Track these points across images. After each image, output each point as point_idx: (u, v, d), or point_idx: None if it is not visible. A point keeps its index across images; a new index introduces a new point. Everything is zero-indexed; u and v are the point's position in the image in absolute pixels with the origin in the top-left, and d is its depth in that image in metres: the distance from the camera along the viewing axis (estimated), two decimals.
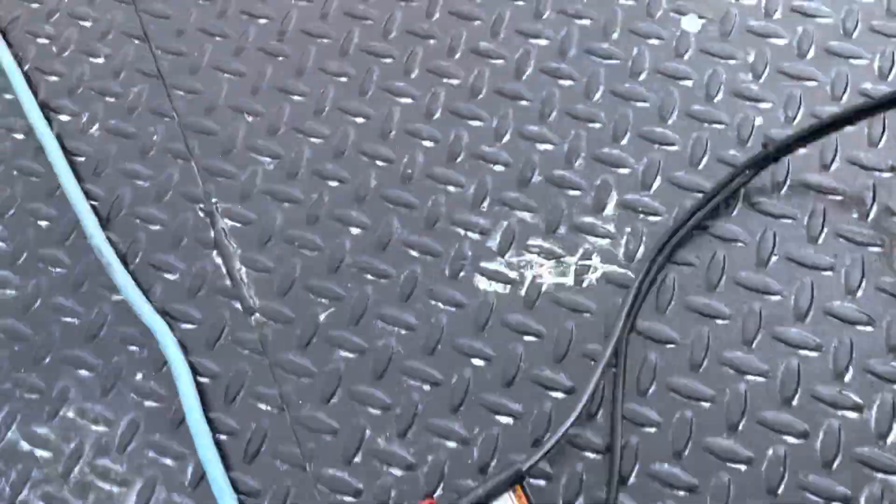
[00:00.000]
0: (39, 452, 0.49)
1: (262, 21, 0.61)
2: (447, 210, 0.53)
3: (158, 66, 0.61)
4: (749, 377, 0.47)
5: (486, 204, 0.53)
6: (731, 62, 0.56)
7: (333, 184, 0.55)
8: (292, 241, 0.53)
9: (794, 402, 0.46)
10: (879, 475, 0.43)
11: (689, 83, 0.55)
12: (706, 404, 0.46)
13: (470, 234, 0.53)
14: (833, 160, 0.52)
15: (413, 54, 0.59)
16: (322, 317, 0.51)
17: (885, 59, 0.54)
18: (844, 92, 0.54)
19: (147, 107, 0.59)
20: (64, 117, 0.59)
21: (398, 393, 0.49)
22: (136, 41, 0.62)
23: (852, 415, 0.45)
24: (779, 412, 0.45)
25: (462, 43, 0.59)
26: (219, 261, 0.53)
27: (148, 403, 0.50)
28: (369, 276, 0.52)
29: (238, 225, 0.54)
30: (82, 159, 0.58)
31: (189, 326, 0.52)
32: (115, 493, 0.48)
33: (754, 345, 0.47)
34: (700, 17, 0.57)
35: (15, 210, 0.56)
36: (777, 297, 0.48)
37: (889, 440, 0.44)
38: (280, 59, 0.60)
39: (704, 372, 0.47)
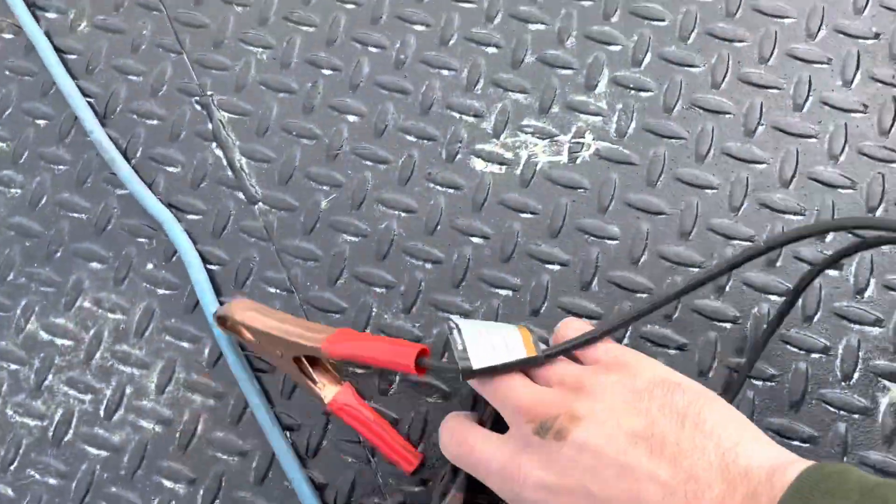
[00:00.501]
0: (60, 341, 0.51)
1: None
2: (441, 94, 0.54)
3: None
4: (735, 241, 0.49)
5: (479, 87, 0.54)
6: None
7: (327, 72, 0.55)
8: (290, 131, 0.54)
9: (778, 263, 0.48)
10: (855, 326, 0.46)
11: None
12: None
13: (465, 117, 0.53)
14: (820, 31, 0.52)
15: None
16: (324, 203, 0.52)
17: None
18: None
19: (134, 0, 0.59)
20: (51, 14, 0.59)
21: (401, 272, 0.51)
22: None
23: (833, 272, 0.47)
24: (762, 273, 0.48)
25: None
26: (219, 152, 0.54)
27: (161, 291, 0.52)
28: (368, 163, 0.53)
29: (235, 116, 0.55)
30: (74, 57, 0.58)
31: (195, 217, 0.53)
32: (136, 374, 0.50)
33: (740, 212, 0.49)
34: None
35: (11, 110, 0.56)
36: (763, 165, 0.50)
37: (866, 294, 0.47)
38: None
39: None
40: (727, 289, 0.48)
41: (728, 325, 0.48)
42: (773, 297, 0.48)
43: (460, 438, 0.42)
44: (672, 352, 0.47)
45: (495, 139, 0.53)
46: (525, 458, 0.38)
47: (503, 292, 0.50)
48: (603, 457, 0.36)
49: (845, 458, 0.44)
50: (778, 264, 0.48)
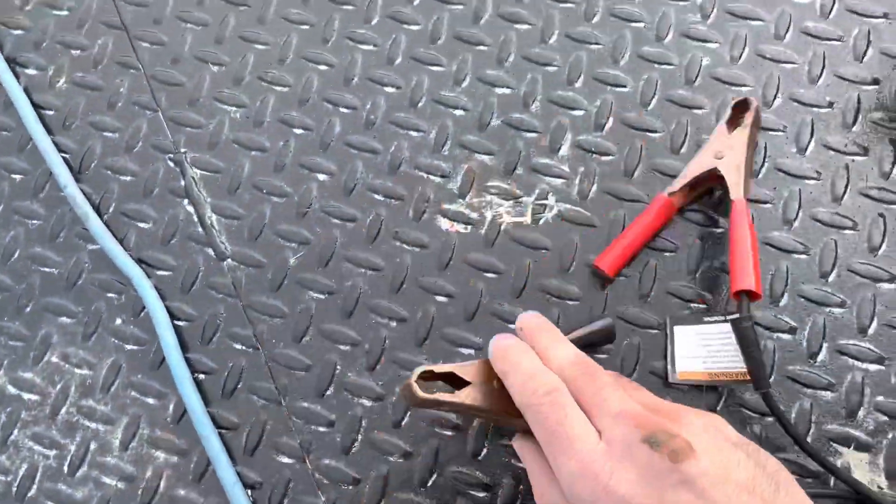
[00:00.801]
0: (27, 395, 0.52)
1: None
2: (410, 154, 0.55)
3: (122, 17, 0.61)
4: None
5: (447, 148, 0.55)
6: (681, 3, 0.57)
7: (299, 131, 0.57)
8: (261, 189, 0.55)
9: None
10: (808, 391, 0.47)
11: (640, 25, 0.57)
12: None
13: (432, 177, 0.55)
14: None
15: (374, 1, 0.60)
16: (292, 260, 0.53)
17: None
18: (787, 31, 0.56)
19: (113, 59, 0.60)
20: (31, 71, 0.60)
21: (366, 329, 0.51)
22: None
23: (786, 336, 0.49)
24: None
25: None
26: (190, 209, 0.55)
27: (129, 346, 0.52)
28: (336, 220, 0.54)
29: (207, 173, 0.56)
30: (51, 113, 0.59)
31: (164, 273, 0.54)
32: (101, 430, 0.51)
33: (697, 275, 0.50)
34: None
35: None
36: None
37: (819, 359, 0.48)
38: (242, 7, 0.61)
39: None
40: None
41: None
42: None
43: (560, 400, 0.38)
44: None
45: (461, 199, 0.54)
46: (620, 465, 0.35)
47: (466, 351, 0.51)
48: (709, 497, 0.33)
49: None
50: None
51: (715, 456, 0.35)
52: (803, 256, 0.50)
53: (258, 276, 0.53)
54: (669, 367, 0.48)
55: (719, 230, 0.51)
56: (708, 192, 0.52)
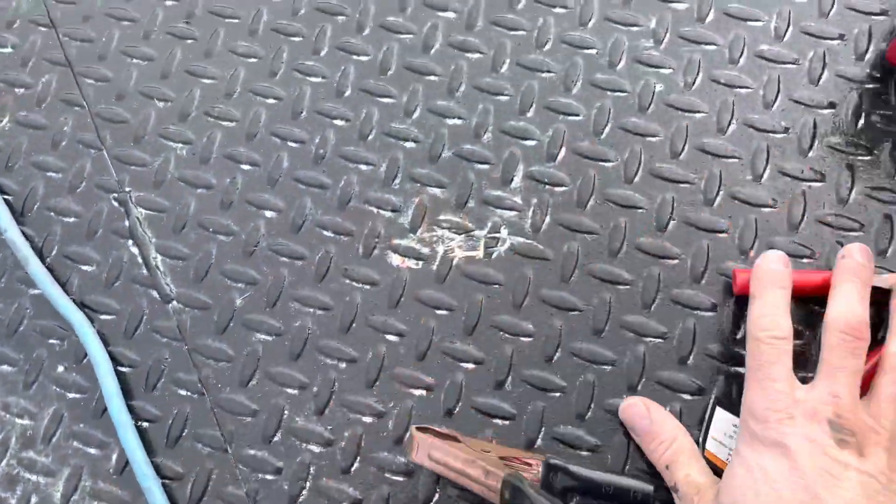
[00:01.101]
0: None
1: (169, 3, 0.61)
2: (359, 189, 0.54)
3: (66, 53, 0.60)
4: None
5: (397, 181, 0.54)
6: (634, 29, 0.56)
7: (246, 167, 0.55)
8: (207, 227, 0.54)
9: (690, 361, 0.48)
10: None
11: (592, 52, 0.56)
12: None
13: (382, 211, 0.53)
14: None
15: (322, 32, 0.59)
16: (238, 301, 0.52)
17: (782, 19, 0.55)
18: (741, 55, 0.55)
19: (57, 96, 0.59)
20: None
21: (315, 372, 0.50)
22: (43, 28, 0.61)
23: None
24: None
25: (370, 18, 0.59)
26: (134, 250, 0.54)
27: (71, 395, 0.51)
28: (284, 259, 0.53)
29: (152, 213, 0.55)
30: None
31: (108, 317, 0.52)
32: (42, 483, 0.49)
33: (652, 308, 0.49)
34: None
35: None
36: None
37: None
38: (189, 41, 0.60)
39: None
40: (638, 388, 0.48)
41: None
42: (685, 396, 0.47)
43: (784, 348, 0.42)
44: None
45: (412, 234, 0.53)
46: (799, 424, 0.40)
47: (417, 392, 0.49)
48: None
49: None
50: (690, 361, 0.48)
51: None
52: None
53: (204, 318, 0.52)
54: (700, 439, 0.46)
55: None
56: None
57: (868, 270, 0.44)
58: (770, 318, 0.43)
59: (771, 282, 0.44)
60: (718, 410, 0.46)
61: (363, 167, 0.55)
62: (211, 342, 0.51)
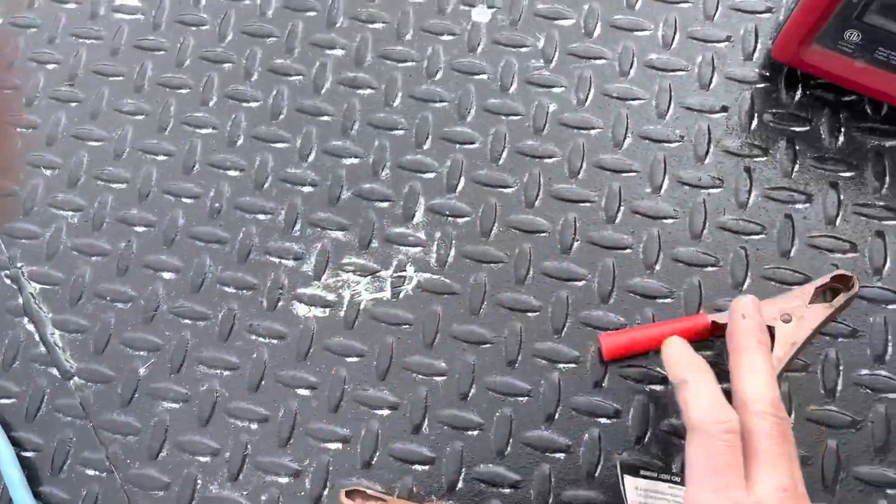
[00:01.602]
0: None
1: (51, 66, 0.59)
2: (259, 240, 0.53)
3: None
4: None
5: (297, 228, 0.53)
6: (523, 50, 0.56)
7: (140, 229, 0.54)
8: (104, 296, 0.52)
9: (605, 383, 0.47)
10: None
11: (484, 77, 0.55)
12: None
13: (284, 261, 0.52)
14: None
15: (209, 81, 0.57)
16: (142, 370, 0.50)
17: (668, 27, 0.55)
18: (631, 66, 0.54)
19: None
20: None
21: (226, 436, 0.48)
22: None
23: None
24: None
25: (258, 63, 0.57)
26: (30, 328, 0.52)
27: None
28: (186, 321, 0.51)
29: (46, 286, 0.53)
30: None
31: (7, 401, 0.50)
32: None
33: (563, 333, 0.48)
34: (489, 6, 0.57)
35: None
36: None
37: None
38: (73, 104, 0.58)
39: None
40: (556, 417, 0.47)
41: (561, 455, 0.46)
42: (602, 420, 0.47)
43: (735, 444, 0.37)
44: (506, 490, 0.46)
45: (316, 281, 0.51)
46: None
47: (332, 446, 0.48)
48: None
49: None
50: (605, 384, 0.47)
51: None
52: (669, 300, 0.49)
53: (107, 391, 0.50)
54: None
55: None
56: None
57: (765, 330, 0.41)
58: (718, 413, 0.37)
59: (699, 377, 0.39)
60: (627, 478, 0.43)
61: (261, 217, 0.53)
62: (116, 416, 0.49)
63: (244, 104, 0.56)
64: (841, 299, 0.43)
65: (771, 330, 0.42)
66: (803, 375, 0.46)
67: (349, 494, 0.45)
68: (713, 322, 0.45)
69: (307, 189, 0.54)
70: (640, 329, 0.47)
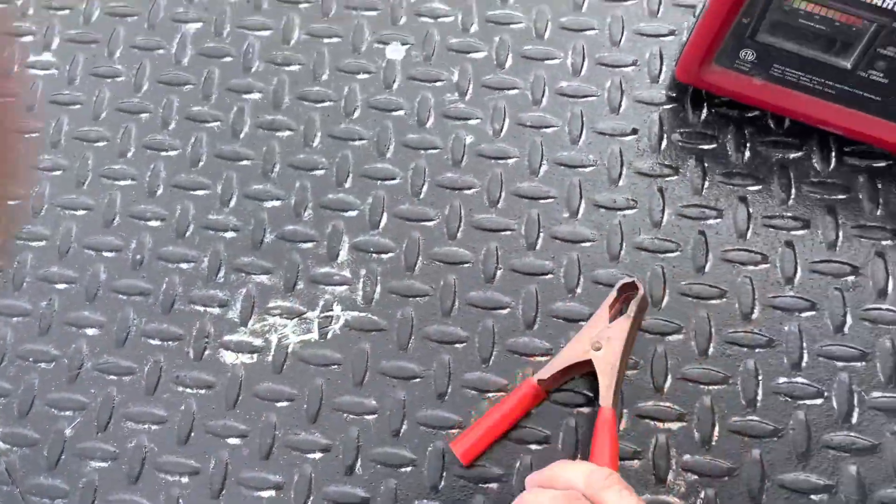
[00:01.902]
0: None
1: None
2: (183, 289, 0.52)
3: None
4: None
5: (221, 274, 0.53)
6: (438, 84, 0.56)
7: (61, 286, 0.53)
8: (26, 357, 0.51)
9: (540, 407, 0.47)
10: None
11: (401, 113, 0.56)
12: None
13: (209, 309, 0.52)
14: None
15: (126, 132, 0.57)
16: (68, 430, 0.49)
17: (577, 54, 0.56)
18: (543, 95, 0.55)
19: None
20: None
21: (157, 492, 0.48)
22: None
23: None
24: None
25: (174, 112, 0.57)
26: None
27: None
28: (111, 377, 0.50)
29: None
30: None
31: None
32: None
33: (490, 363, 0.49)
34: (403, 43, 0.58)
35: None
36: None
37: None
38: None
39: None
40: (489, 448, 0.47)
41: (495, 485, 0.46)
42: (533, 447, 0.47)
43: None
44: None
45: (243, 327, 0.51)
46: None
47: (265, 494, 0.47)
48: None
49: None
50: (534, 411, 0.48)
51: None
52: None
53: (33, 455, 0.49)
54: None
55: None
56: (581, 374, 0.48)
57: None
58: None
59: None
60: None
61: (184, 266, 0.53)
62: (43, 480, 0.48)
63: (163, 153, 0.56)
64: (633, 307, 0.46)
65: (590, 363, 0.45)
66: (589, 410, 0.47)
67: None
68: (538, 380, 0.46)
69: (230, 234, 0.54)
70: (481, 421, 0.46)
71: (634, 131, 0.54)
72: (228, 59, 0.59)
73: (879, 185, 0.50)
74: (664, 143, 0.53)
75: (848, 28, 0.44)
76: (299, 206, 0.54)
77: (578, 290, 0.50)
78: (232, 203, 0.54)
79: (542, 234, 0.52)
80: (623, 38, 0.57)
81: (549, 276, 0.51)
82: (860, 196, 0.50)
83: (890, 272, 0.48)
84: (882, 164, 0.51)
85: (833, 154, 0.52)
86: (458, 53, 0.57)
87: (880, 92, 0.46)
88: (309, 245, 0.53)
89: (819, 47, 0.46)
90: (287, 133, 0.56)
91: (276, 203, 0.54)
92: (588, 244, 0.51)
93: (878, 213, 0.50)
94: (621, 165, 0.53)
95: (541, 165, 0.53)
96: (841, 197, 0.50)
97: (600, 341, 0.46)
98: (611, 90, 0.55)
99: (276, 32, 0.59)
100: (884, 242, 0.49)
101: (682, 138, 0.53)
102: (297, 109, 0.57)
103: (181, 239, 0.54)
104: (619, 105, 0.55)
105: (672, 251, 0.50)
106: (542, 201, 0.53)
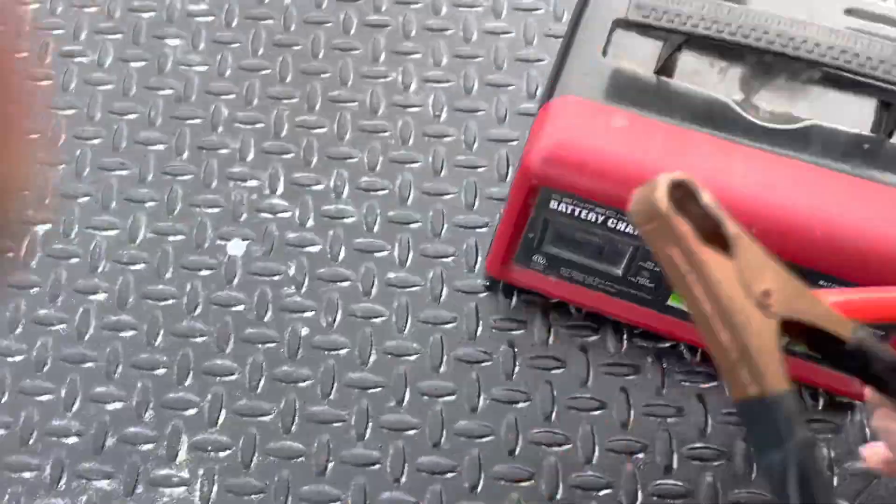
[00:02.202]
0: None
1: None
2: (25, 499, 0.54)
3: None
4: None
5: (63, 482, 0.54)
6: (276, 278, 0.61)
7: None
8: None
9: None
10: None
11: (241, 308, 0.60)
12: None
13: None
14: None
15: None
16: None
17: (403, 247, 0.62)
18: (373, 285, 0.60)
19: None
20: None
21: None
22: None
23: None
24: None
25: (21, 315, 0.59)
26: None
27: None
28: None
29: None
30: None
31: None
32: None
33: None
34: (243, 239, 0.62)
35: None
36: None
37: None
38: None
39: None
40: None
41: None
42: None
43: None
44: None
45: None
46: None
47: None
48: None
49: None
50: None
51: None
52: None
53: None
54: None
55: None
56: None
57: None
58: None
59: None
60: None
61: (27, 475, 0.55)
62: None
63: (9, 359, 0.58)
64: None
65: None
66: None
67: None
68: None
69: (72, 440, 0.56)
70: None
71: (454, 319, 0.59)
72: (76, 259, 0.62)
73: (665, 365, 0.57)
74: (479, 329, 0.59)
75: (615, 245, 0.50)
76: (140, 406, 0.57)
77: (403, 479, 0.54)
78: (75, 407, 0.57)
79: (370, 424, 0.56)
80: (444, 229, 0.62)
81: (377, 465, 0.54)
82: (648, 376, 0.56)
83: (674, 448, 0.54)
84: (666, 345, 0.57)
85: (625, 336, 0.58)
86: (295, 248, 0.62)
87: (649, 292, 0.53)
88: (149, 446, 0.55)
89: (595, 257, 0.52)
90: (131, 333, 0.59)
91: (118, 405, 0.57)
92: (412, 431, 0.55)
93: (664, 392, 0.56)
94: (442, 353, 0.58)
95: (370, 355, 0.58)
96: (631, 377, 0.57)
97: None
98: (433, 281, 0.61)
99: (122, 232, 0.62)
100: (669, 420, 0.55)
101: (495, 325, 0.59)
102: (140, 308, 0.60)
103: (24, 447, 0.55)
104: (441, 294, 0.60)
105: (487, 435, 0.55)
106: (370, 391, 0.57)
